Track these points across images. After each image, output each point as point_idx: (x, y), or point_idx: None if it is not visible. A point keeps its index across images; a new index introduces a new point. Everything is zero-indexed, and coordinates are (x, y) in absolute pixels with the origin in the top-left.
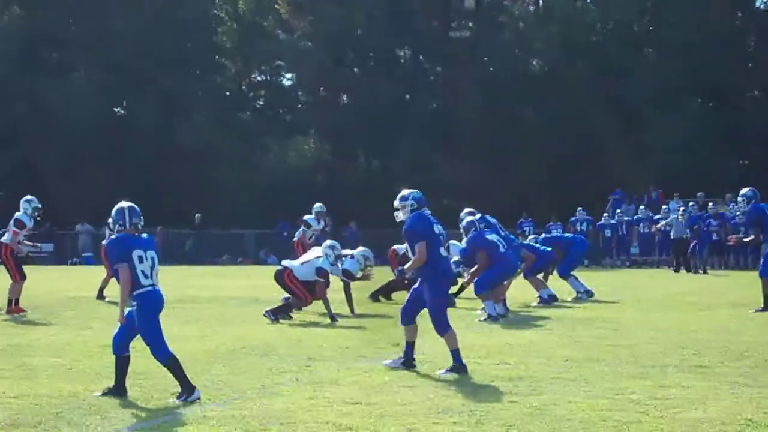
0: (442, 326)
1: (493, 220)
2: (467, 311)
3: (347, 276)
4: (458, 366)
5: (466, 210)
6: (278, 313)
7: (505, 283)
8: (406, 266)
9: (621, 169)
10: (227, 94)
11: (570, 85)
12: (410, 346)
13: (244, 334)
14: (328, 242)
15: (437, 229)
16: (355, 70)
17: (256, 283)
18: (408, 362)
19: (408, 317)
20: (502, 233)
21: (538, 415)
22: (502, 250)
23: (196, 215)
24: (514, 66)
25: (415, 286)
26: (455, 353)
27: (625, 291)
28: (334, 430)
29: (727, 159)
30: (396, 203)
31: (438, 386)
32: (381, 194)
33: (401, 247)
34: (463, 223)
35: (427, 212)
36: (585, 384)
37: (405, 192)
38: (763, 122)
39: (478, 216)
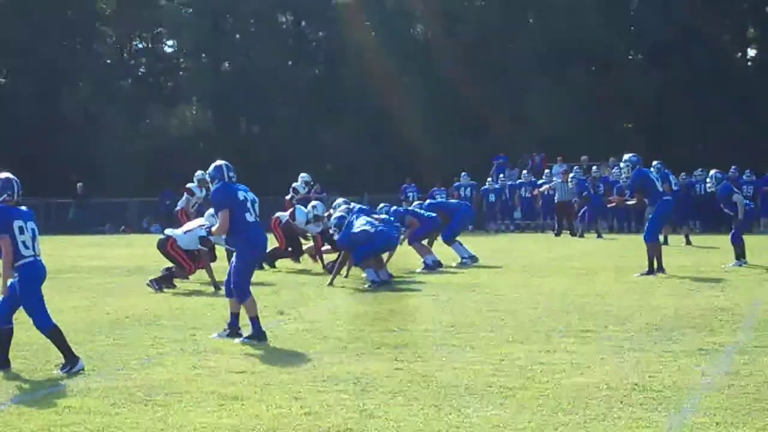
0: (241, 294)
1: (367, 208)
2: (351, 279)
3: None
4: (257, 335)
5: (340, 200)
6: (162, 283)
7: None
8: (212, 229)
9: (505, 134)
10: (108, 62)
11: (453, 51)
12: (235, 317)
13: (128, 304)
14: (211, 210)
15: (242, 195)
16: (237, 36)
17: (140, 253)
18: (233, 333)
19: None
20: (384, 217)
21: (423, 382)
22: (372, 231)
23: (78, 184)
24: (396, 32)
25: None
26: (254, 320)
27: (509, 256)
28: (220, 399)
29: (610, 122)
30: None
31: (323, 354)
32: (264, 161)
33: (284, 215)
34: (333, 220)
35: (232, 182)
36: (470, 350)
37: None
38: (645, 85)
39: (354, 207)
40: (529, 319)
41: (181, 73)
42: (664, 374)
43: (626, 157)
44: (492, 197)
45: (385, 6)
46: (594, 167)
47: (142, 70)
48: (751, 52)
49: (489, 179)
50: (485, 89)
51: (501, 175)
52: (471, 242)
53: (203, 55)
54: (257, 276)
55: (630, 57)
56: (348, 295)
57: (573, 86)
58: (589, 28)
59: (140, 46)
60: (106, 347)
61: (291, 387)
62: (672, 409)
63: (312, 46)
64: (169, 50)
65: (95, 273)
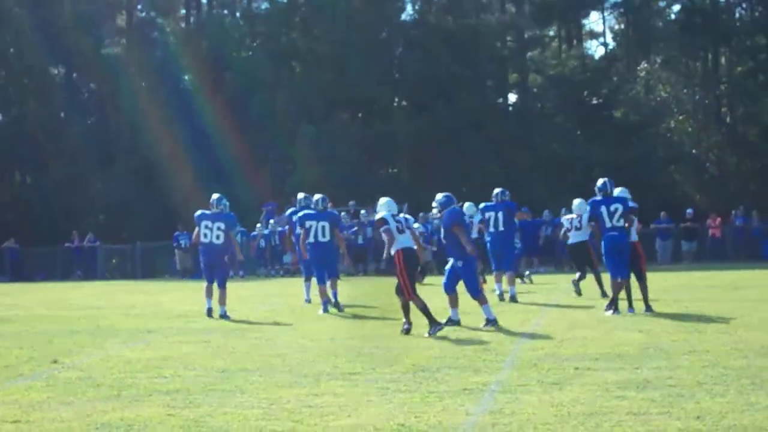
0: None
1: None
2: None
3: None
4: None
5: None
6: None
7: None
8: None
9: (274, 181)
10: None
11: (221, 100)
12: None
13: None
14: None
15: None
16: (9, 89)
17: None
18: None
19: None
20: None
21: (194, 427)
22: None
23: None
24: (166, 81)
25: None
26: None
27: (279, 300)
28: None
29: (377, 167)
30: None
31: (96, 402)
32: (37, 211)
33: None
34: None
35: None
36: (240, 394)
37: None
38: (409, 131)
39: None
40: (298, 363)
41: None
42: (429, 414)
43: (438, 197)
44: (262, 242)
45: (153, 56)
46: (363, 212)
47: None
48: (512, 98)
49: (258, 225)
50: (253, 137)
51: (271, 221)
52: (243, 287)
53: None
54: (31, 324)
55: (395, 103)
56: (120, 343)
57: (339, 133)
58: (353, 76)
59: None
60: None
61: None
62: None
63: (84, 97)
64: None
65: None
